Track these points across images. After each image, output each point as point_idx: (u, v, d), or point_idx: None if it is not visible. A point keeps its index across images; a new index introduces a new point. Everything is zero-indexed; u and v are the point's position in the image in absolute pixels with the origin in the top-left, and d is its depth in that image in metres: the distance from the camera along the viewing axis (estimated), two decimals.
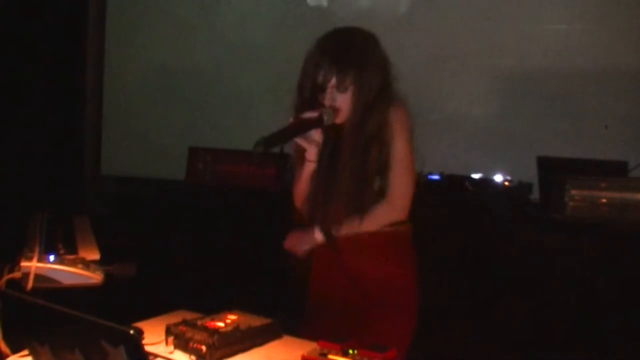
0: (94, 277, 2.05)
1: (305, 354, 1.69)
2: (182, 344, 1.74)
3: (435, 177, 3.17)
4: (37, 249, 2.11)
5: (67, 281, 2.02)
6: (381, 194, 2.04)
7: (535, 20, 3.54)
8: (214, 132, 4.44)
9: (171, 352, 1.74)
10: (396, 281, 2.03)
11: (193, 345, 1.71)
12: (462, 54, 3.70)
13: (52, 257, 2.04)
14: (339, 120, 1.99)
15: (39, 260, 2.01)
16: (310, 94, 2.00)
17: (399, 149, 2.02)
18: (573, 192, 2.76)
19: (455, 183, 3.15)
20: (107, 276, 2.09)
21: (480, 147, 3.62)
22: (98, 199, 4.72)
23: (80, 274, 2.03)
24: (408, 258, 2.09)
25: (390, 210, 2.02)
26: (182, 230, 3.72)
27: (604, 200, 2.72)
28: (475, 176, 3.25)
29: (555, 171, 2.94)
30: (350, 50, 1.96)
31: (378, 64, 1.99)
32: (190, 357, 1.70)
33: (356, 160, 1.98)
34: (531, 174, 3.12)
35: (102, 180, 4.85)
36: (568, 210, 2.76)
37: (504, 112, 3.64)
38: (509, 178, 3.22)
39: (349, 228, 2.02)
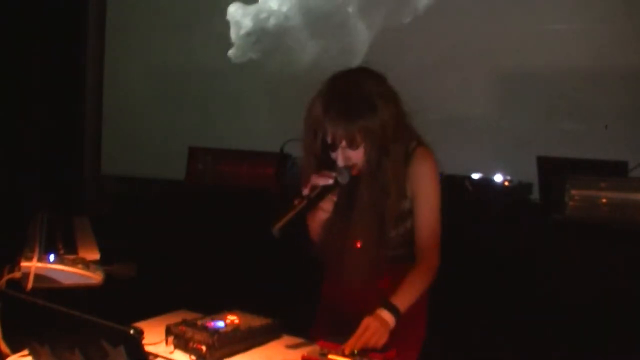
0: (94, 277, 2.05)
1: (305, 354, 1.70)
2: (182, 344, 1.74)
3: None
4: (37, 249, 2.11)
5: (67, 281, 2.02)
6: (404, 240, 1.98)
7: (535, 20, 3.54)
8: (214, 132, 4.44)
9: (171, 352, 1.74)
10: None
11: (193, 345, 1.71)
12: (462, 54, 3.70)
13: (52, 257, 2.04)
14: (355, 172, 1.90)
15: (39, 260, 2.01)
16: (319, 151, 1.91)
17: (431, 204, 1.96)
18: (573, 192, 2.76)
19: (455, 183, 3.14)
20: (107, 276, 2.09)
21: (480, 147, 3.62)
22: (98, 199, 4.73)
23: (80, 274, 2.04)
24: None
25: (429, 267, 1.94)
26: (182, 230, 3.71)
27: (604, 200, 2.72)
28: (475, 176, 3.25)
29: (555, 171, 2.94)
30: (355, 106, 1.83)
31: (387, 107, 1.87)
32: (190, 357, 1.70)
33: (373, 209, 1.90)
34: (531, 174, 3.12)
35: (102, 180, 4.85)
36: (568, 210, 2.76)
37: (504, 112, 3.64)
38: (509, 178, 3.22)
39: (410, 299, 1.88)
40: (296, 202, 1.82)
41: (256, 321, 1.87)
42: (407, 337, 1.94)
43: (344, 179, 1.86)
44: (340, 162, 1.88)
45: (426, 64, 3.78)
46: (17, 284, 1.95)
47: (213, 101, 4.54)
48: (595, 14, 3.41)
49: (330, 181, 1.84)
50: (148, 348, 1.68)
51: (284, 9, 4.32)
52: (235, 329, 1.79)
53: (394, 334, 1.80)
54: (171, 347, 1.75)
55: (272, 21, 4.37)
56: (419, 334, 2.08)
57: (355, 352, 1.70)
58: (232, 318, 1.86)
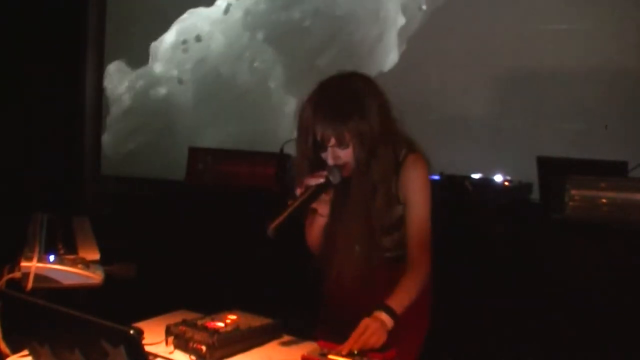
0: (94, 277, 2.05)
1: (305, 354, 1.70)
2: (182, 344, 1.74)
3: (435, 177, 3.17)
4: (37, 249, 2.11)
5: (67, 281, 2.02)
6: (403, 242, 1.99)
7: (535, 20, 3.54)
8: (214, 132, 4.45)
9: (171, 352, 1.74)
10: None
11: (193, 345, 1.71)
12: (462, 54, 3.70)
13: (52, 257, 2.04)
14: (347, 172, 1.92)
15: (39, 260, 2.01)
16: (311, 153, 1.93)
17: (421, 211, 1.97)
18: (573, 192, 2.76)
19: (455, 183, 3.14)
20: (107, 276, 2.08)
21: (480, 147, 3.62)
22: (98, 199, 4.73)
23: (80, 274, 2.03)
24: None
25: (422, 272, 1.95)
26: (182, 230, 3.71)
27: (604, 200, 2.72)
28: (475, 176, 3.25)
29: (555, 171, 2.94)
30: (344, 106, 1.88)
31: (376, 109, 1.90)
32: (190, 357, 1.70)
33: (363, 210, 1.92)
34: (531, 174, 3.12)
35: (102, 180, 4.85)
36: (568, 210, 2.76)
37: (504, 112, 3.64)
38: (509, 178, 3.22)
39: (406, 302, 1.88)
40: (290, 202, 1.85)
41: (256, 321, 1.87)
42: (407, 338, 1.95)
43: (335, 179, 1.89)
44: (330, 161, 1.91)
45: (426, 64, 3.78)
46: (17, 284, 1.95)
47: (214, 101, 4.55)
48: (595, 14, 3.41)
49: (322, 180, 1.88)
50: (148, 348, 1.68)
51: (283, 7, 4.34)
52: (235, 329, 1.79)
53: (394, 334, 1.80)
54: (171, 347, 1.75)
55: (272, 20, 4.38)
56: (419, 335, 2.08)
57: (355, 352, 1.70)
58: (232, 318, 1.86)
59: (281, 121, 4.13)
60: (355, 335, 1.75)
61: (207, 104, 4.57)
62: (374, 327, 1.76)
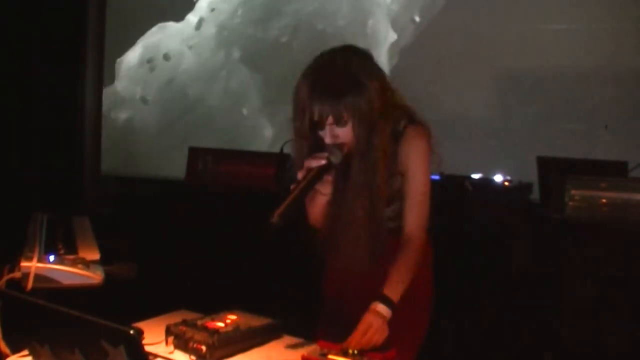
0: (94, 277, 2.05)
1: (305, 354, 1.69)
2: (182, 344, 1.74)
3: (435, 177, 3.17)
4: (37, 249, 2.11)
5: (67, 281, 2.02)
6: (395, 220, 1.97)
7: (535, 20, 3.54)
8: (214, 132, 4.44)
9: (171, 352, 1.74)
10: (415, 282, 2.00)
11: (193, 345, 1.71)
12: (462, 54, 3.71)
13: (52, 257, 2.04)
14: (347, 150, 1.88)
15: (39, 260, 2.01)
16: (309, 133, 1.89)
17: (419, 183, 1.95)
18: (573, 192, 2.76)
19: (455, 183, 3.14)
20: (107, 276, 2.08)
21: (480, 147, 3.62)
22: (98, 199, 4.72)
23: (80, 274, 2.03)
24: (427, 259, 2.06)
25: (415, 249, 1.93)
26: (182, 230, 3.71)
27: (604, 200, 2.72)
28: (475, 176, 3.25)
29: (555, 171, 2.94)
30: (341, 83, 1.83)
31: (373, 84, 1.86)
32: (190, 357, 1.70)
33: (365, 187, 1.89)
34: (531, 174, 3.12)
35: (102, 180, 4.85)
36: (568, 210, 2.76)
37: (504, 112, 3.65)
38: (509, 178, 3.22)
39: (402, 287, 1.87)
40: (292, 187, 1.82)
41: (256, 321, 1.87)
42: (407, 337, 1.95)
43: (336, 158, 1.85)
44: (328, 140, 1.87)
45: (426, 64, 3.78)
46: (17, 284, 1.95)
47: (214, 101, 4.55)
48: (595, 14, 3.41)
49: (323, 162, 1.84)
50: (148, 348, 1.68)
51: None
52: (235, 329, 1.79)
53: (395, 333, 1.80)
54: (171, 347, 1.75)
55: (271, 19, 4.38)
56: (420, 334, 2.08)
57: (355, 352, 1.70)
58: (232, 318, 1.86)
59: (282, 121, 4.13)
60: (357, 335, 1.74)
61: (209, 102, 4.58)
62: (377, 326, 1.76)
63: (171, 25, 4.70)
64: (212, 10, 4.58)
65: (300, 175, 1.85)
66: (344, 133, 1.86)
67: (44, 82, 4.52)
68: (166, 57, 4.67)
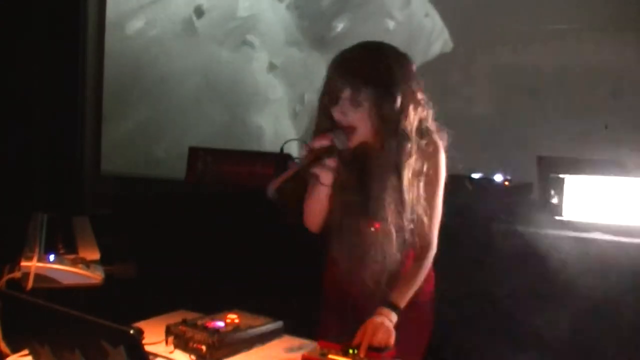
0: (94, 277, 2.05)
1: (305, 354, 1.69)
2: (182, 344, 1.74)
3: None
4: (37, 249, 2.11)
5: (67, 281, 2.02)
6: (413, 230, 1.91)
7: (535, 20, 3.54)
8: (214, 132, 4.44)
9: (171, 352, 1.74)
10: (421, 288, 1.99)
11: (193, 345, 1.71)
12: (462, 53, 3.71)
13: (52, 257, 2.04)
14: (356, 141, 1.80)
15: (39, 260, 2.01)
16: (325, 107, 1.82)
17: (440, 191, 1.95)
18: (573, 191, 2.76)
19: (455, 183, 3.14)
20: (107, 276, 2.09)
21: (480, 147, 3.62)
22: (98, 199, 4.72)
23: (80, 274, 2.04)
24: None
25: (430, 257, 1.93)
26: (182, 230, 3.71)
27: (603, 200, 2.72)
28: (475, 176, 3.25)
29: (555, 171, 2.94)
30: (371, 65, 1.77)
31: (406, 93, 1.80)
32: (190, 357, 1.70)
33: (387, 190, 1.82)
34: (531, 174, 3.12)
35: (102, 180, 4.85)
36: (567, 210, 2.76)
37: (504, 112, 3.65)
38: (509, 178, 3.22)
39: (409, 295, 1.86)
40: (290, 164, 1.80)
41: (256, 321, 1.87)
42: (413, 340, 1.95)
43: (340, 143, 1.76)
44: (337, 115, 1.79)
45: (426, 64, 3.78)
46: (17, 284, 1.95)
47: (214, 101, 4.54)
48: (595, 14, 3.41)
49: (326, 142, 1.76)
50: (148, 348, 1.68)
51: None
52: (235, 329, 1.79)
53: (400, 337, 1.80)
54: (171, 347, 1.75)
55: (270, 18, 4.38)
56: (424, 336, 2.08)
57: (355, 351, 1.70)
58: (232, 318, 1.86)
59: (282, 121, 4.13)
60: (368, 335, 1.73)
61: (209, 102, 4.57)
62: (387, 326, 1.76)
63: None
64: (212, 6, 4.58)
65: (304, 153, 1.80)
66: (356, 116, 1.78)
67: (44, 81, 4.52)
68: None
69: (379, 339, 1.74)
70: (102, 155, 4.94)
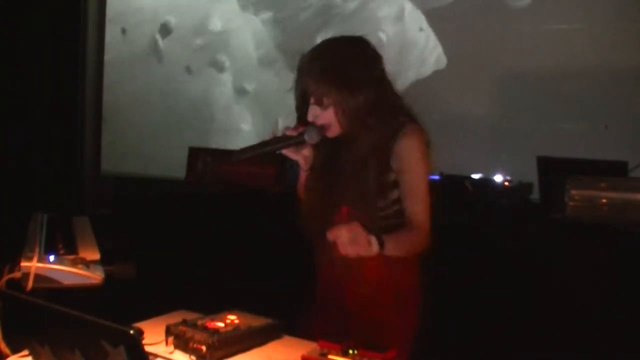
0: (94, 277, 2.05)
1: (306, 354, 1.69)
2: (182, 344, 1.74)
3: (435, 177, 3.17)
4: (37, 249, 2.10)
5: (67, 281, 2.01)
6: (397, 210, 1.96)
7: (535, 20, 3.54)
8: (214, 132, 4.44)
9: (171, 352, 1.73)
10: (401, 281, 2.00)
11: (193, 345, 1.71)
12: (462, 54, 3.71)
13: (52, 257, 2.04)
14: (332, 134, 1.92)
15: (39, 260, 2.00)
16: (300, 106, 1.96)
17: (420, 179, 1.96)
18: (573, 192, 2.76)
19: (455, 183, 3.14)
20: (107, 276, 2.08)
21: (480, 147, 3.62)
22: (98, 199, 4.73)
23: (80, 274, 2.03)
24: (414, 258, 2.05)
25: (419, 233, 1.94)
26: (182, 230, 3.71)
27: (604, 200, 2.72)
28: (475, 176, 3.25)
29: (555, 171, 2.94)
30: (330, 70, 1.87)
31: (369, 80, 1.89)
32: (190, 357, 1.70)
33: (355, 178, 1.92)
34: (531, 174, 3.12)
35: (102, 180, 4.85)
36: (568, 210, 2.75)
37: (504, 112, 3.65)
38: (509, 178, 3.22)
39: (397, 247, 1.86)
40: (262, 141, 1.93)
41: (256, 321, 1.87)
42: (398, 335, 1.95)
43: (310, 138, 1.90)
44: (309, 118, 1.92)
45: (426, 64, 3.78)
46: (17, 284, 1.95)
47: (215, 101, 4.55)
48: (595, 14, 3.41)
49: (294, 133, 1.90)
50: (148, 348, 1.68)
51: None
52: (235, 329, 1.79)
53: (386, 332, 1.82)
54: (171, 347, 1.75)
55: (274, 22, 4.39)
56: (412, 322, 2.07)
57: (355, 352, 1.70)
58: (232, 318, 1.86)
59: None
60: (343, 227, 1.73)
61: (209, 102, 4.57)
62: (363, 232, 1.73)
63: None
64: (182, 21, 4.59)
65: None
66: (325, 116, 1.90)
67: (44, 81, 4.52)
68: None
69: (354, 248, 1.72)
70: (102, 155, 4.95)
